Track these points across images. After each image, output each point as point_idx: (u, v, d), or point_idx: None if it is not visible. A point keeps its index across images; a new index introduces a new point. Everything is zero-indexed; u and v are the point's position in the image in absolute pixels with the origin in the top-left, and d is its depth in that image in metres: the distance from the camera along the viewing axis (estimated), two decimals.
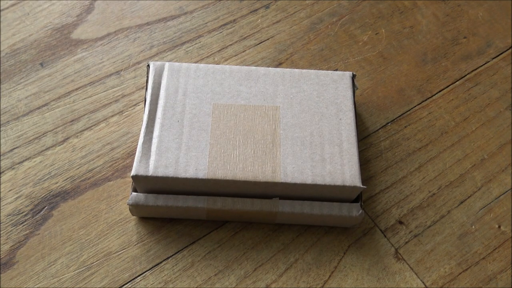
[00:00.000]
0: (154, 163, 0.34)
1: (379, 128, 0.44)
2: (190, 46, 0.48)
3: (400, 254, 0.38)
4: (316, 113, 0.38)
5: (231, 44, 0.48)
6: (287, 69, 0.40)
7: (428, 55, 0.49)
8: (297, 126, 0.37)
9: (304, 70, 0.40)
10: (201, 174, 0.34)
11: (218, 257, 0.37)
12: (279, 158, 0.35)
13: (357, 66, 0.48)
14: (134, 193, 0.36)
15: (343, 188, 0.35)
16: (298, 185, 0.35)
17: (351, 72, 0.40)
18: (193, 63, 0.47)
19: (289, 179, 0.34)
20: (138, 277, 0.36)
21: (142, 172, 0.34)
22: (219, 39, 0.49)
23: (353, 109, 0.38)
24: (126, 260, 0.37)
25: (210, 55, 0.48)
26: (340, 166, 0.35)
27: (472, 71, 0.48)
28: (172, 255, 0.37)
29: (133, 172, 0.34)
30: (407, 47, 0.49)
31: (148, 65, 0.39)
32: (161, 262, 0.37)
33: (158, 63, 0.39)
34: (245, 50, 0.48)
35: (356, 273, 0.37)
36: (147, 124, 0.36)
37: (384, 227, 0.39)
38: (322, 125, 0.37)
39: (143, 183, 0.35)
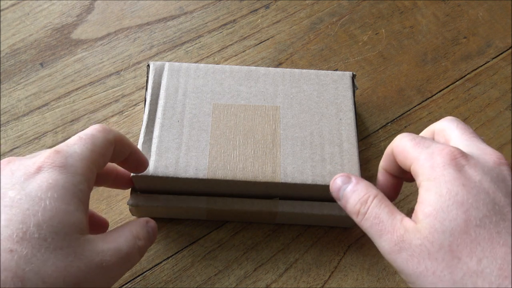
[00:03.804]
0: (154, 163, 0.34)
1: (379, 128, 0.44)
2: (190, 46, 0.48)
3: None
4: (316, 113, 0.38)
5: (231, 44, 0.48)
6: (287, 69, 0.40)
7: (428, 55, 0.49)
8: (297, 126, 0.37)
9: (304, 70, 0.40)
10: (201, 174, 0.34)
11: (218, 257, 0.37)
12: (279, 158, 0.35)
13: (357, 66, 0.48)
14: (134, 194, 0.36)
15: None
16: (298, 185, 0.35)
17: (351, 72, 0.40)
18: (193, 63, 0.47)
19: (289, 179, 0.34)
20: (138, 277, 0.36)
21: (142, 172, 0.34)
22: (219, 39, 0.49)
23: (353, 109, 0.38)
24: None
25: (210, 55, 0.48)
26: (340, 166, 0.35)
27: (472, 71, 0.48)
28: (172, 255, 0.37)
29: (133, 173, 0.34)
30: (407, 47, 0.49)
31: (148, 65, 0.39)
32: (161, 262, 0.37)
33: (158, 63, 0.39)
34: (245, 50, 0.48)
35: (356, 273, 0.37)
36: (147, 124, 0.36)
37: None
38: (322, 125, 0.37)
39: (143, 183, 0.35)
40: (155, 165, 0.34)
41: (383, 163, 0.33)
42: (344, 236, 0.39)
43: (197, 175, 0.34)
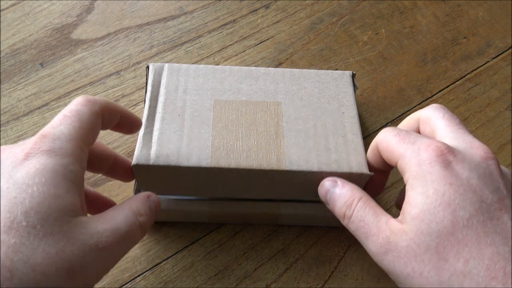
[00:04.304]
0: (155, 152, 0.33)
1: (379, 128, 0.44)
2: (190, 46, 0.48)
3: None
4: (318, 108, 0.37)
5: (231, 44, 0.48)
6: (287, 69, 0.40)
7: (428, 55, 0.49)
8: (300, 119, 0.36)
9: (304, 70, 0.40)
10: (204, 163, 0.33)
11: (218, 257, 0.37)
12: (283, 148, 0.34)
13: (357, 66, 0.48)
14: None
15: (350, 175, 0.34)
16: (303, 173, 0.34)
17: (350, 71, 0.40)
18: (193, 63, 0.47)
19: (294, 167, 0.33)
20: (138, 277, 0.36)
21: (143, 161, 0.33)
22: (219, 39, 0.49)
23: (355, 104, 0.38)
24: (126, 260, 0.37)
25: (210, 55, 0.48)
26: (345, 155, 0.34)
27: (472, 71, 0.48)
28: (172, 255, 0.37)
29: (134, 161, 0.33)
30: (407, 47, 0.49)
31: (148, 67, 0.39)
32: (161, 262, 0.37)
33: (158, 64, 0.39)
34: (245, 50, 0.48)
35: (356, 273, 0.37)
36: (147, 118, 0.36)
37: None
38: (325, 118, 0.36)
39: (144, 173, 0.34)
40: (156, 155, 0.33)
41: (369, 159, 0.33)
42: (344, 236, 0.39)
43: (199, 164, 0.33)
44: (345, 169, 0.34)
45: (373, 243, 0.26)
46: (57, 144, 0.25)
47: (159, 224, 0.38)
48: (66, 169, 0.24)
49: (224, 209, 0.36)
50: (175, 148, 0.34)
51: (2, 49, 0.47)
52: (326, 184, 0.31)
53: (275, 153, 0.34)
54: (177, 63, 0.47)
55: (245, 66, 0.47)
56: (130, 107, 0.44)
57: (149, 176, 0.34)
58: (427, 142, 0.26)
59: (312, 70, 0.40)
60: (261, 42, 0.49)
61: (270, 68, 0.40)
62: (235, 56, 0.48)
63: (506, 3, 0.52)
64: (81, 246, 0.23)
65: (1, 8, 0.49)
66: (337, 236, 0.39)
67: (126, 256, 0.37)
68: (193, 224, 0.39)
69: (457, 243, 0.23)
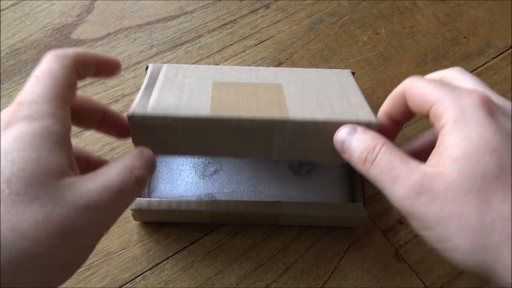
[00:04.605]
0: (153, 106, 0.32)
1: None
2: (190, 46, 0.48)
3: (400, 254, 0.38)
4: (319, 88, 0.36)
5: (231, 44, 0.48)
6: (286, 68, 0.40)
7: (428, 55, 0.49)
8: (301, 93, 0.35)
9: (303, 68, 0.39)
10: (204, 113, 0.32)
11: (218, 257, 0.37)
12: (286, 106, 0.33)
13: (357, 66, 0.48)
14: (137, 198, 0.36)
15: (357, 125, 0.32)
16: (309, 123, 0.32)
17: (350, 70, 0.40)
18: (193, 63, 0.47)
19: (298, 116, 0.32)
20: (138, 277, 0.36)
21: (140, 111, 0.31)
22: (219, 39, 0.49)
23: (357, 85, 0.36)
24: (126, 260, 0.37)
25: (210, 55, 0.48)
26: (351, 111, 0.33)
27: (472, 71, 0.48)
28: (172, 255, 0.37)
29: (130, 111, 0.31)
30: (407, 47, 0.49)
31: (147, 67, 0.39)
32: (161, 262, 0.37)
33: (157, 64, 0.39)
34: (245, 50, 0.48)
35: (356, 273, 0.37)
36: (145, 87, 0.34)
37: (384, 227, 0.39)
38: (327, 92, 0.35)
39: (140, 127, 0.32)
40: (154, 108, 0.32)
41: (387, 107, 0.31)
42: (344, 236, 0.39)
43: (198, 114, 0.32)
44: (352, 117, 0.31)
45: (403, 186, 0.25)
46: (34, 108, 0.24)
47: (159, 224, 0.38)
48: (47, 131, 0.23)
49: (225, 209, 0.36)
50: (173, 104, 0.32)
51: (2, 49, 0.47)
52: (343, 131, 0.29)
53: (278, 109, 0.32)
54: (177, 63, 0.47)
55: (245, 66, 0.47)
56: (130, 107, 0.44)
57: (145, 131, 0.32)
58: (468, 89, 0.25)
59: (312, 68, 0.40)
60: (261, 42, 0.49)
61: (269, 67, 0.40)
62: (235, 56, 0.48)
63: (506, 3, 0.52)
64: (71, 207, 0.22)
65: (1, 8, 0.49)
66: (337, 236, 0.39)
67: (126, 256, 0.37)
68: (193, 224, 0.39)
69: (503, 188, 0.22)
